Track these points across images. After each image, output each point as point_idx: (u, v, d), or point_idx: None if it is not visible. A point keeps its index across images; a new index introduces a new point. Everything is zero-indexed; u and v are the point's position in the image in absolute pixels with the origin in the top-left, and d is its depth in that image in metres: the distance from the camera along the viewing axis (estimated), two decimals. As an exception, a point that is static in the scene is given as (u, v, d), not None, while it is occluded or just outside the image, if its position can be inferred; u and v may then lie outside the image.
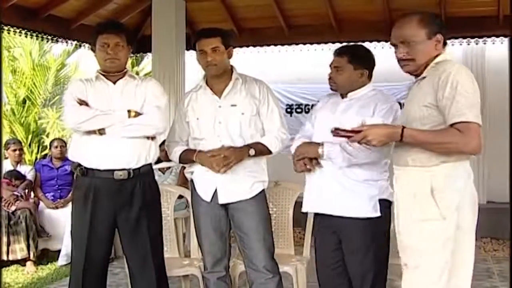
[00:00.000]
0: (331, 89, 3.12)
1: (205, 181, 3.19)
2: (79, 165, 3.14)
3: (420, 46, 2.46)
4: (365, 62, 3.01)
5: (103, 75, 3.19)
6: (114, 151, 3.08)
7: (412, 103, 2.48)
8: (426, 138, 2.38)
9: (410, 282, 2.47)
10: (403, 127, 2.40)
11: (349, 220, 2.90)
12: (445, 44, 2.50)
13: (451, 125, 2.32)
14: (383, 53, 7.03)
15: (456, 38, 6.78)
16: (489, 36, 6.75)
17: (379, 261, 2.95)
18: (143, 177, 3.17)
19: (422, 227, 2.41)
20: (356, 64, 2.98)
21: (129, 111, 3.10)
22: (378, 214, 2.88)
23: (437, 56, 2.46)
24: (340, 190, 2.92)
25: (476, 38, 6.82)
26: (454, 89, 2.31)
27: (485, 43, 6.91)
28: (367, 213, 2.89)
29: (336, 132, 2.52)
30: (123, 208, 3.13)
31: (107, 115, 3.08)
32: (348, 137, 2.50)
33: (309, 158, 2.96)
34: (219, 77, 3.21)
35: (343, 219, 2.92)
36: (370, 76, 3.05)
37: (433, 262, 2.39)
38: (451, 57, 2.50)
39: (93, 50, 3.20)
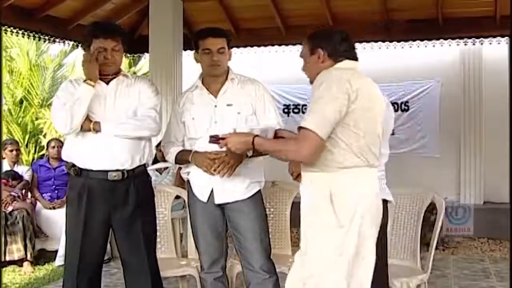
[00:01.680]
0: None
1: (202, 181, 3.18)
2: (73, 165, 3.13)
3: (306, 61, 2.58)
4: None
5: None
6: (108, 151, 3.07)
7: None
8: (269, 146, 2.52)
9: None
10: (255, 136, 2.52)
11: None
12: (348, 56, 2.49)
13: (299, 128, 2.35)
14: (380, 54, 7.14)
15: (453, 38, 6.80)
16: (486, 37, 6.77)
17: (379, 259, 2.93)
18: (137, 178, 3.16)
19: (318, 235, 2.38)
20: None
21: (85, 80, 3.04)
22: None
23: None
24: None
25: (473, 39, 6.83)
26: (312, 95, 2.34)
27: (482, 44, 6.92)
28: None
29: (211, 139, 2.76)
30: (117, 208, 3.12)
31: (75, 100, 3.01)
32: (218, 143, 2.72)
33: None
34: (216, 77, 3.21)
35: None
36: None
37: (329, 270, 2.35)
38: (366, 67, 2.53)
39: (86, 51, 3.14)
